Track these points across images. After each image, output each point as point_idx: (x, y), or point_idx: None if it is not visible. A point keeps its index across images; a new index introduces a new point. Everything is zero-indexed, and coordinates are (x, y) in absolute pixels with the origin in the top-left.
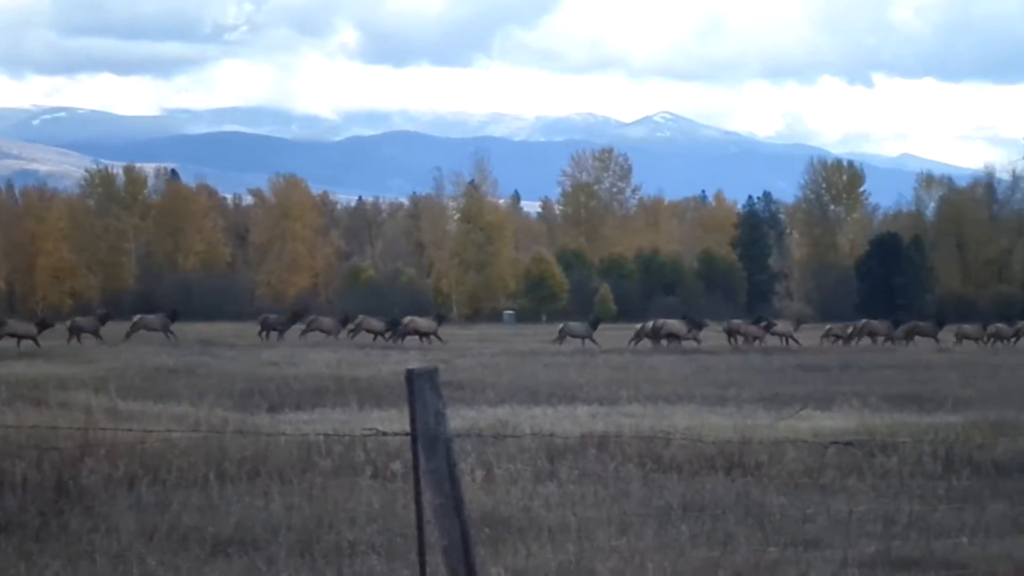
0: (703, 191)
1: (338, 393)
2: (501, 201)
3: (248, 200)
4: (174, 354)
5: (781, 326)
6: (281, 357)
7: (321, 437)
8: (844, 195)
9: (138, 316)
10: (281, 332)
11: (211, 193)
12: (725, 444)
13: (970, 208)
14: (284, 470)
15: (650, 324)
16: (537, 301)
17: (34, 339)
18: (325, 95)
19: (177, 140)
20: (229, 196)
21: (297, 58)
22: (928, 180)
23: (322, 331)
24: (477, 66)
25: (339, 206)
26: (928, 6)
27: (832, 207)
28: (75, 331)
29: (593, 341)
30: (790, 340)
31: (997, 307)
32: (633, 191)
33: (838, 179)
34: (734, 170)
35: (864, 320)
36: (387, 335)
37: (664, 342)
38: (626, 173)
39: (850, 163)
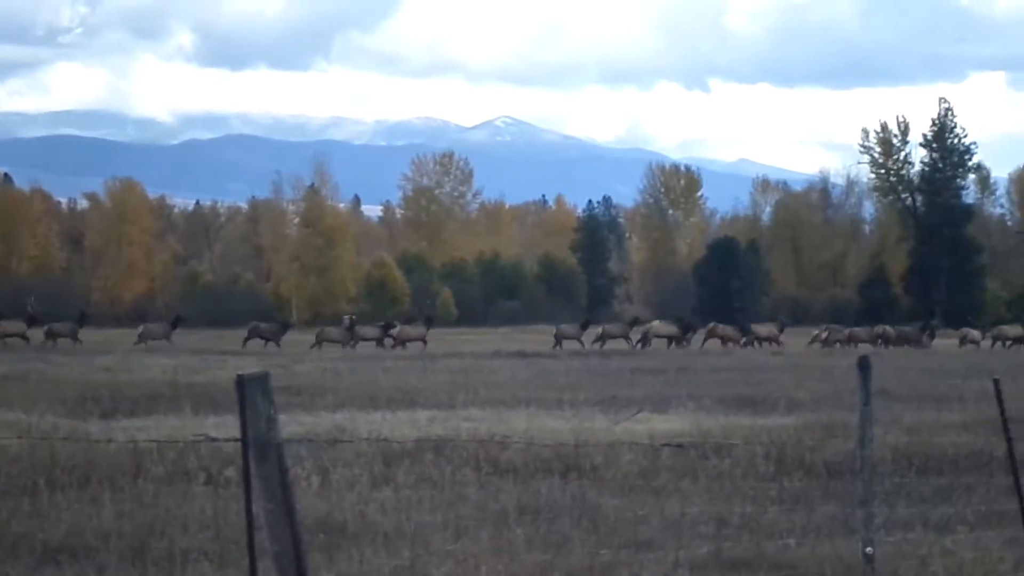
0: (544, 195)
1: (173, 399)
2: (341, 205)
3: (84, 204)
4: (6, 360)
5: (764, 330)
6: (115, 363)
7: (154, 444)
8: (682, 200)
9: None
10: (276, 341)
11: (45, 197)
12: (561, 447)
13: (805, 212)
14: (115, 477)
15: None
16: (378, 306)
17: None
18: (162, 98)
19: (10, 144)
20: (64, 200)
21: (133, 61)
22: (764, 185)
23: (331, 341)
24: (316, 69)
25: (176, 210)
26: (763, 12)
27: (670, 211)
28: None
29: (580, 342)
30: (774, 343)
31: (832, 310)
32: (474, 195)
33: (676, 184)
34: (574, 174)
35: (848, 329)
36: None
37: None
38: (467, 177)
39: (688, 168)
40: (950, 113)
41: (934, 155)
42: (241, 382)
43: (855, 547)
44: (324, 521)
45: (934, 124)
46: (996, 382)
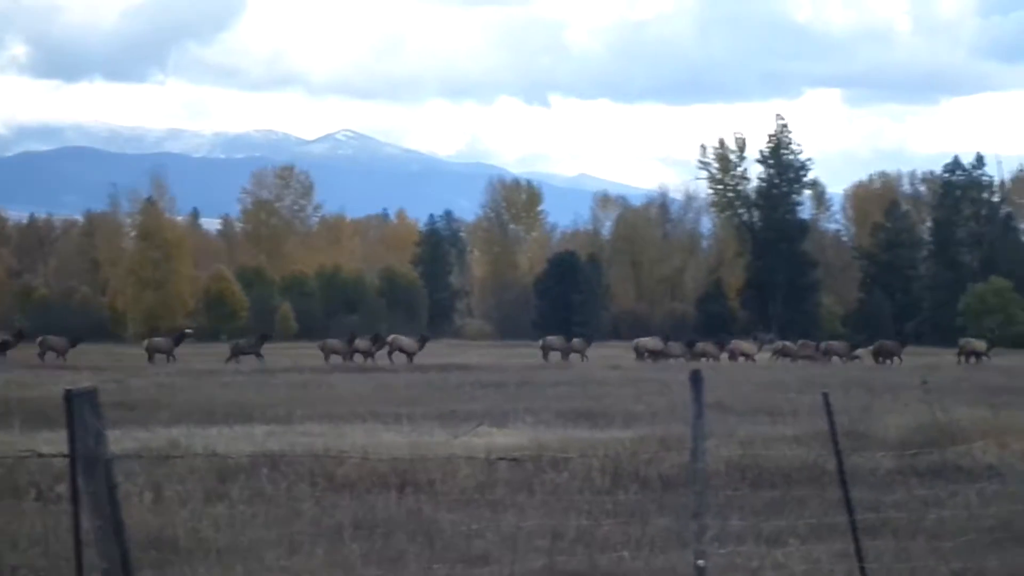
0: (385, 209)
1: (3, 415)
2: (179, 218)
3: None
4: None
5: (746, 346)
6: None
7: None
8: (523, 214)
9: None
10: (257, 354)
11: None
12: (398, 462)
13: (644, 227)
14: None
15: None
16: (216, 319)
17: None
18: None
19: None
20: None
21: None
22: (604, 200)
23: (335, 352)
24: (153, 81)
25: (10, 223)
26: (602, 28)
27: (512, 226)
28: None
29: (579, 353)
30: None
31: (670, 324)
32: (315, 208)
33: (517, 198)
34: (416, 188)
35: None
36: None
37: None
38: (307, 190)
39: (529, 182)
40: (786, 130)
41: (770, 171)
42: (69, 397)
43: (688, 560)
44: (156, 537)
45: (770, 140)
46: (825, 396)
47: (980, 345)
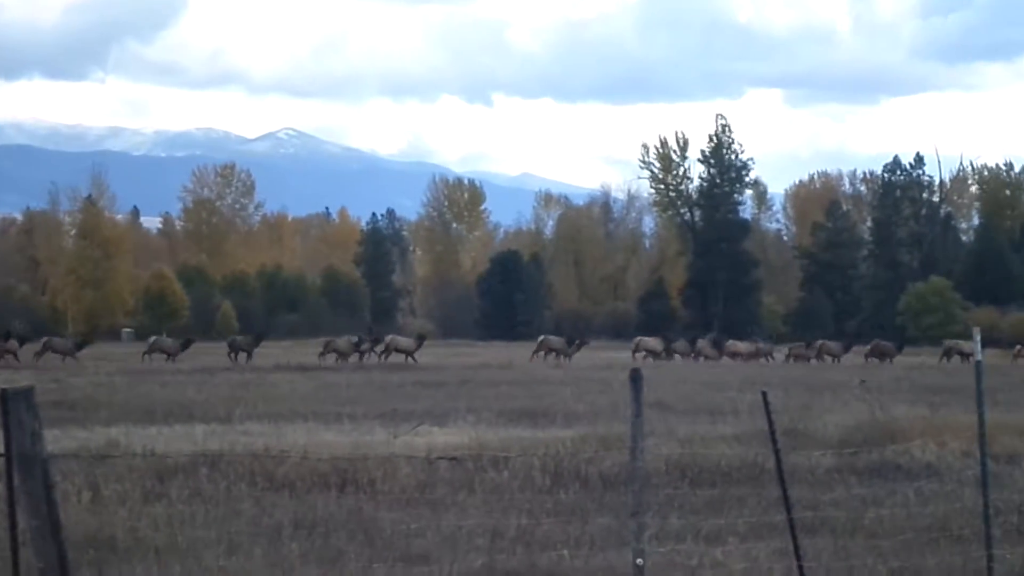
0: (327, 208)
1: None
2: (119, 217)
3: None
4: None
5: (742, 346)
6: None
7: None
8: (466, 213)
9: None
10: (249, 353)
11: None
12: (338, 461)
13: (587, 227)
14: None
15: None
16: (157, 318)
17: None
18: None
19: None
20: None
21: None
22: (547, 199)
23: (338, 352)
24: (92, 79)
25: None
26: (544, 28)
27: (454, 225)
28: None
29: (568, 357)
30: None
31: (612, 323)
32: (256, 207)
33: (460, 197)
34: (358, 187)
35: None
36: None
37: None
38: (249, 189)
39: (471, 181)
40: (727, 129)
41: (712, 171)
42: (4, 396)
43: (627, 558)
44: (94, 537)
45: (712, 140)
46: (764, 394)
47: (967, 346)
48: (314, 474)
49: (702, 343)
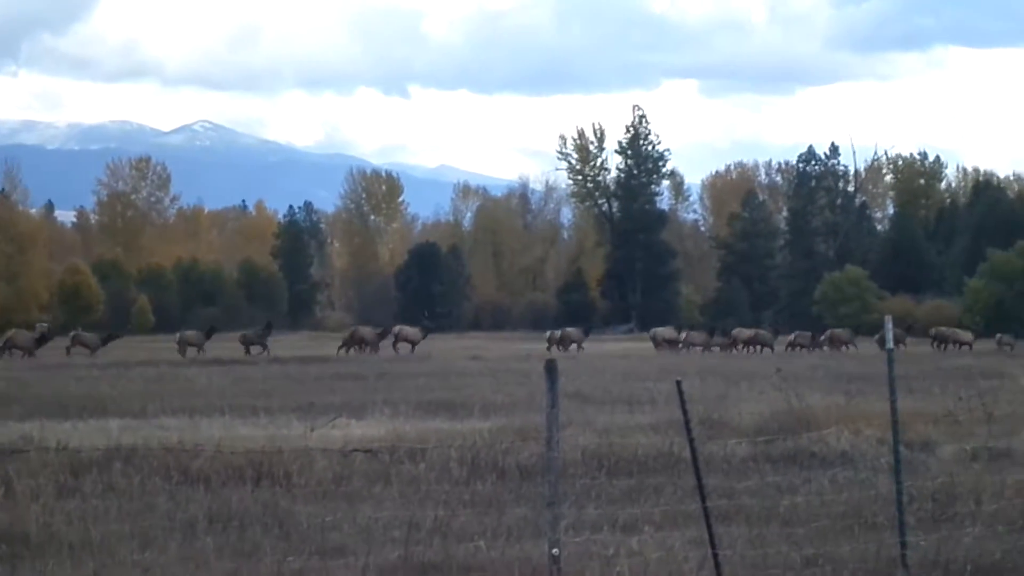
0: (243, 200)
1: None
2: (33, 211)
3: None
4: None
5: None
6: None
7: None
8: (384, 205)
9: None
10: (263, 345)
11: None
12: (254, 455)
13: (505, 218)
14: None
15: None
16: (71, 313)
17: None
18: None
19: None
20: None
21: None
22: (465, 190)
23: (365, 342)
24: (4, 72)
25: None
26: (460, 19)
27: (372, 217)
28: None
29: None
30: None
31: (531, 314)
32: (172, 200)
33: (377, 189)
34: (275, 179)
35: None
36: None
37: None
38: (164, 182)
39: (389, 173)
40: (644, 120)
41: (629, 161)
42: None
43: (543, 548)
44: (6, 532)
45: (629, 131)
46: (679, 383)
47: (966, 336)
48: (229, 468)
49: (762, 332)
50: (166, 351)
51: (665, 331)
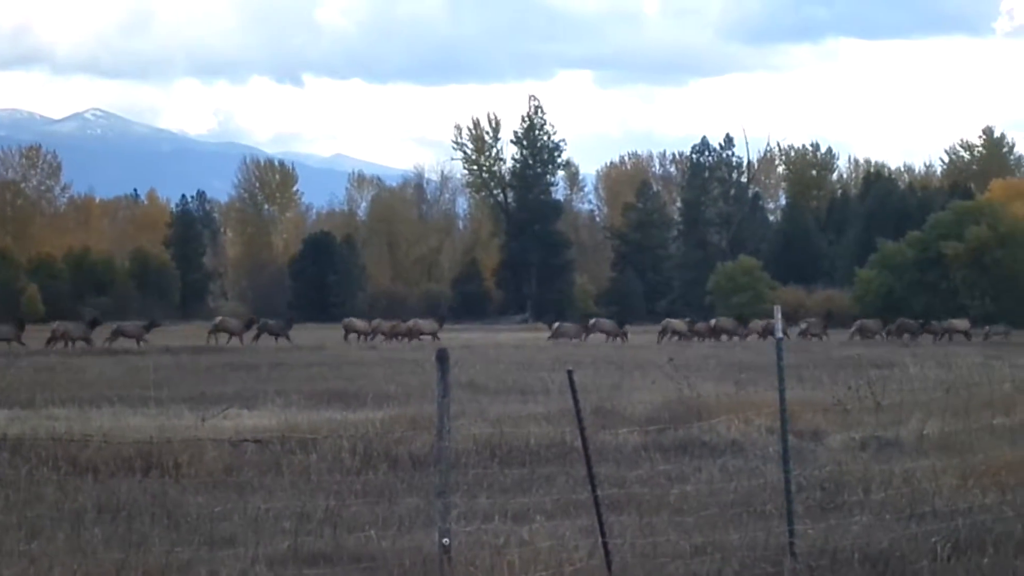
0: (136, 189)
1: None
2: None
3: None
4: None
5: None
6: None
7: None
8: (278, 194)
9: None
10: (286, 336)
11: None
12: (144, 445)
13: (401, 208)
14: None
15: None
16: None
17: None
18: None
19: None
20: None
21: None
22: (360, 180)
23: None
24: None
25: None
26: (353, 7)
27: (266, 206)
28: None
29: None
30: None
31: (427, 304)
32: (63, 189)
33: (271, 178)
34: (168, 168)
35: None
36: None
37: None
38: (55, 171)
39: (282, 163)
40: (540, 111)
41: (524, 152)
42: None
43: (434, 538)
44: None
45: (524, 121)
46: (570, 373)
47: (963, 324)
48: (118, 458)
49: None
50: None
51: (677, 323)
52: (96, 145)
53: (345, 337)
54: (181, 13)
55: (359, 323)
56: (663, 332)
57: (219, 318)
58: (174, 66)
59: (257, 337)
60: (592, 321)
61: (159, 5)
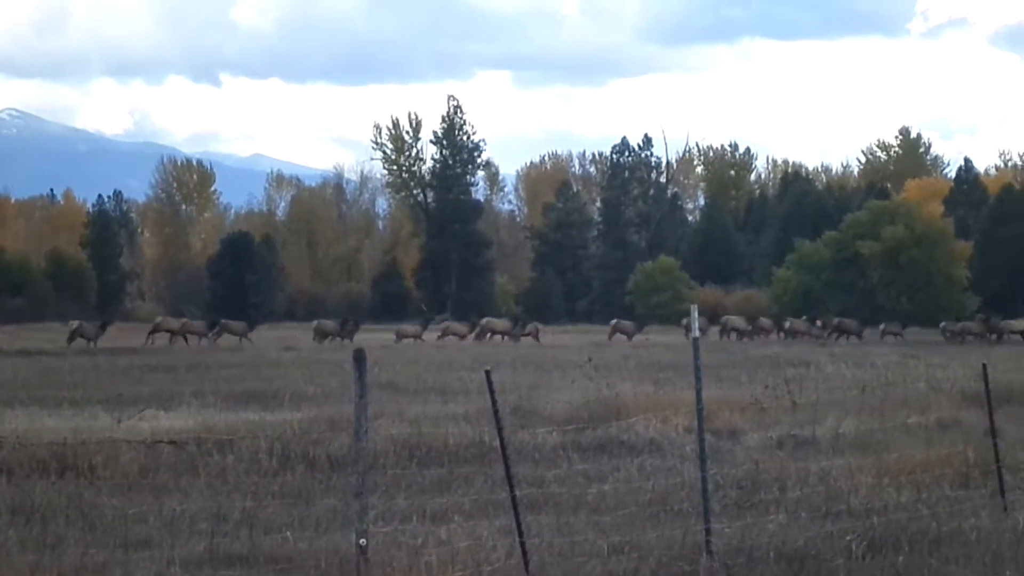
0: (52, 189)
1: None
2: None
3: None
4: None
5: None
6: None
7: None
8: (195, 194)
9: None
10: (351, 336)
11: None
12: (58, 446)
13: (320, 207)
14: None
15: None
16: None
17: None
18: None
19: None
20: None
21: None
22: (279, 180)
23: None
24: None
25: None
26: (270, 5)
27: (184, 207)
28: None
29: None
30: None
31: (346, 304)
32: None
33: (189, 178)
34: (84, 168)
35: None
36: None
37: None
38: None
39: (200, 163)
40: (459, 111)
41: (444, 152)
42: None
43: (352, 539)
44: None
45: (444, 121)
46: (487, 373)
47: (973, 326)
48: (32, 460)
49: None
50: None
51: (736, 320)
52: (11, 144)
53: (320, 340)
54: (96, 12)
55: (329, 324)
56: (723, 330)
57: (316, 322)
58: (90, 65)
59: (340, 338)
60: (614, 321)
61: (74, 4)
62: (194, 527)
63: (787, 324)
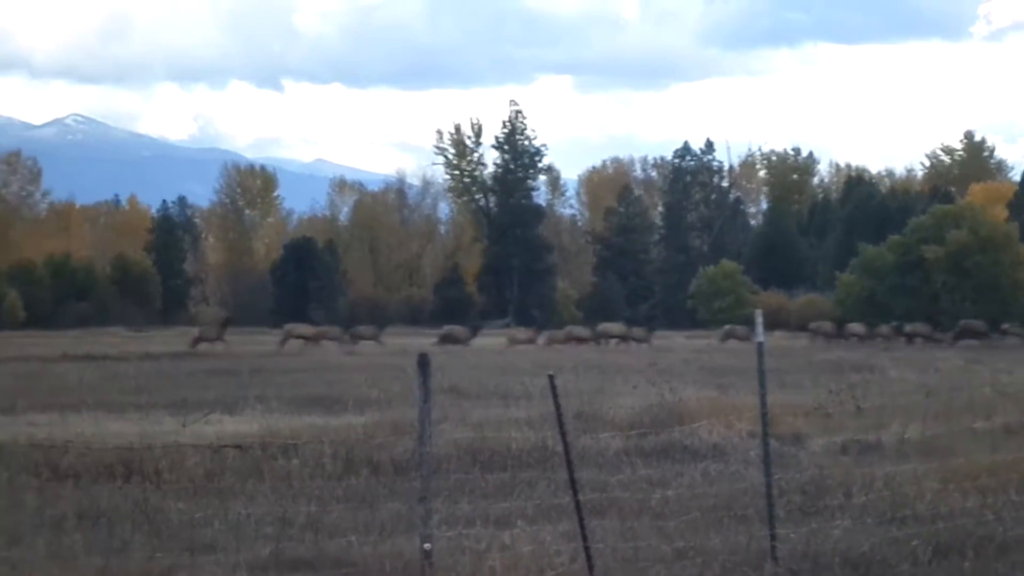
0: (116, 195)
1: None
2: None
3: None
4: None
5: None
6: None
7: None
8: (259, 200)
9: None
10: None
11: None
12: (125, 451)
13: (382, 213)
14: None
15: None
16: None
17: None
18: None
19: None
20: None
21: None
22: (341, 185)
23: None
24: None
25: None
26: (333, 12)
27: (247, 212)
28: None
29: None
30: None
31: (408, 310)
32: (43, 195)
33: (252, 184)
34: (148, 174)
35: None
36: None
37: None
38: (36, 176)
39: (263, 168)
40: (520, 115)
41: (506, 157)
42: None
43: (416, 543)
44: None
45: (505, 126)
46: (551, 378)
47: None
48: (99, 464)
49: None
50: (37, 347)
51: (823, 324)
52: (76, 151)
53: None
54: (159, 18)
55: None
56: (815, 333)
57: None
58: (153, 71)
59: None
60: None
61: (137, 10)
62: (259, 531)
63: (907, 328)
